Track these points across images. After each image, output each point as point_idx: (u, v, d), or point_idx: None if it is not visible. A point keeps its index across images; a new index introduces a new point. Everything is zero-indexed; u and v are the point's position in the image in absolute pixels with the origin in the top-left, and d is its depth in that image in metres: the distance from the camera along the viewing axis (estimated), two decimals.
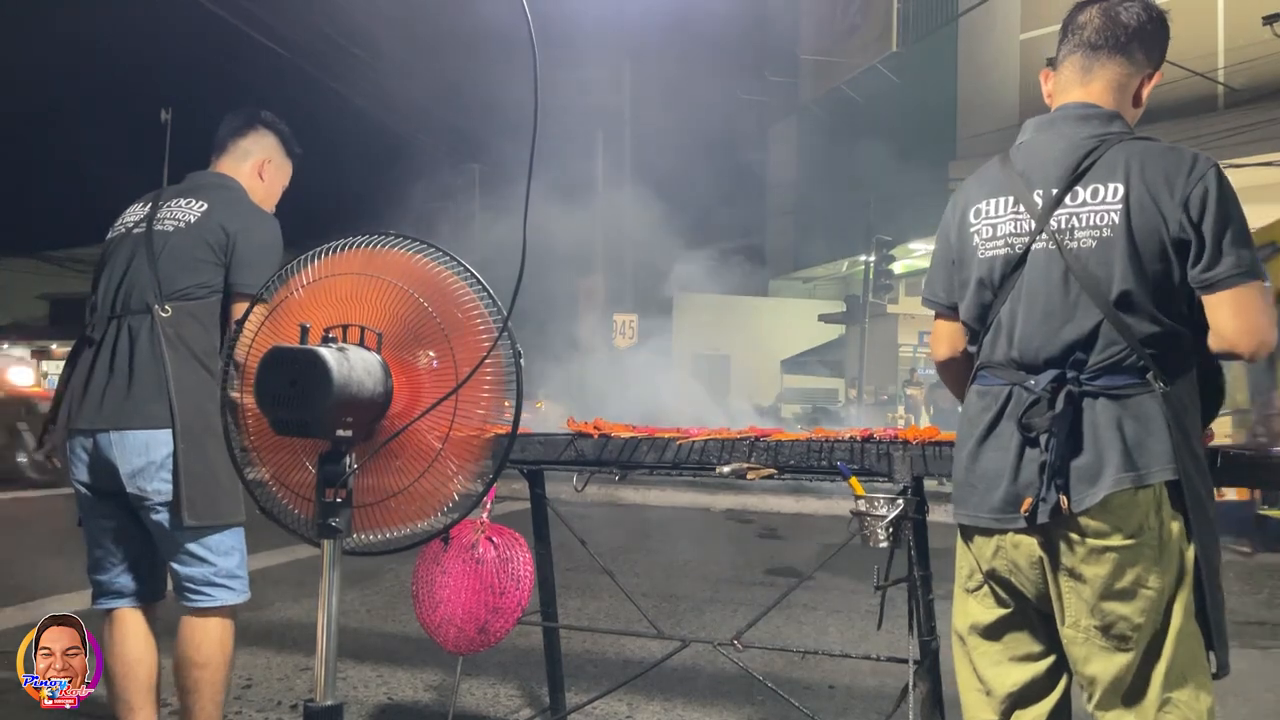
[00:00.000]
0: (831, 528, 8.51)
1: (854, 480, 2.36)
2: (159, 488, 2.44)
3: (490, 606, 2.71)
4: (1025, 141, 1.92)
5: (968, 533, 1.92)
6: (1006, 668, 1.89)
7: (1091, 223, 1.75)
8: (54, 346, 41.14)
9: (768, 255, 25.46)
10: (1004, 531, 1.81)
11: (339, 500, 1.58)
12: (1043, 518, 1.71)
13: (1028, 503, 1.73)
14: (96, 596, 2.61)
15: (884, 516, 2.27)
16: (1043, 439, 1.72)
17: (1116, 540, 1.70)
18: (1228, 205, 1.69)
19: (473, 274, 1.65)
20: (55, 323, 40.15)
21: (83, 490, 2.55)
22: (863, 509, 2.30)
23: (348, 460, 1.59)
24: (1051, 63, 1.99)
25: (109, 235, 2.70)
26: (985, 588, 1.90)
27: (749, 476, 2.49)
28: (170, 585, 2.61)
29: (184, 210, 2.59)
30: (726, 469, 2.51)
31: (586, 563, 3.11)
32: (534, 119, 1.59)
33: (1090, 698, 1.79)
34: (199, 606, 2.51)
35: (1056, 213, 1.78)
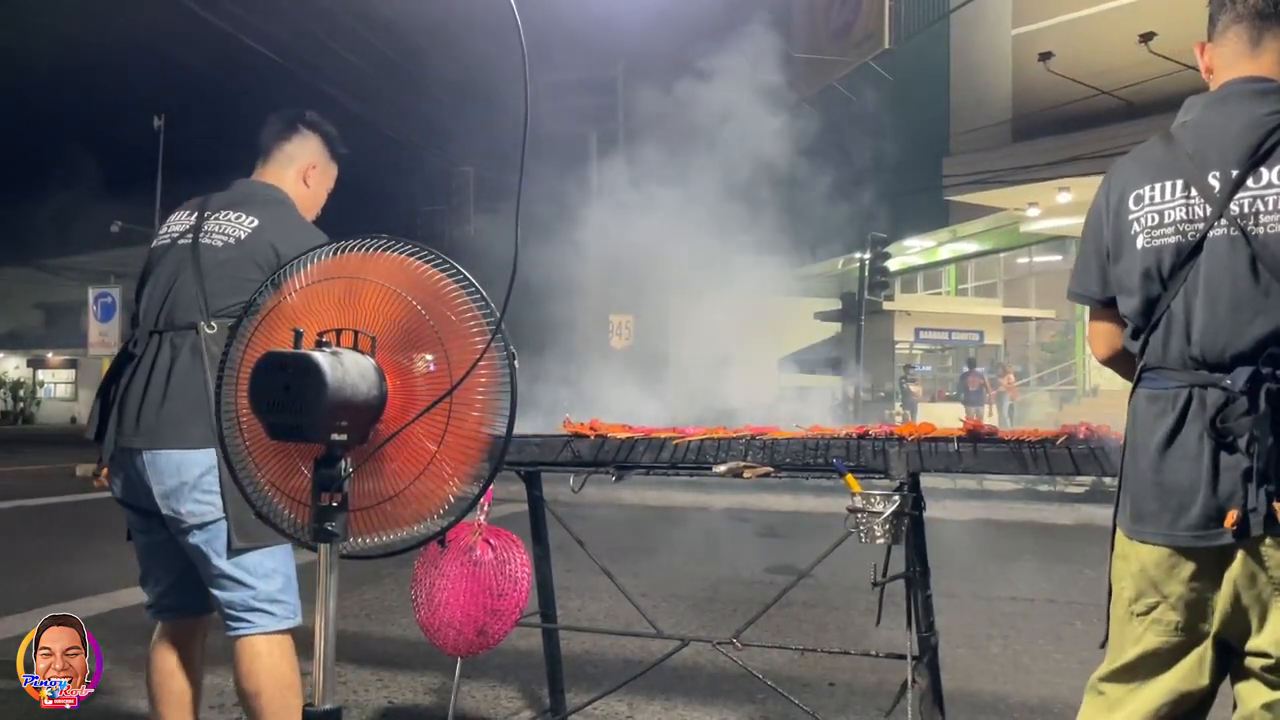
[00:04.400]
0: (829, 525, 8.51)
1: (850, 477, 2.37)
2: (192, 509, 2.36)
3: (488, 609, 2.71)
4: (1191, 120, 1.78)
5: (1145, 551, 1.74)
6: (1161, 706, 1.74)
7: None
8: (49, 355, 41.23)
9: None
10: (1206, 550, 1.65)
11: (334, 504, 1.58)
12: (1255, 530, 1.58)
13: (1233, 515, 1.60)
14: (147, 608, 2.58)
15: (881, 513, 2.27)
16: (1241, 443, 1.59)
17: None
18: None
19: (465, 276, 1.65)
20: (50, 331, 40.21)
21: (125, 507, 2.51)
22: (859, 506, 2.30)
23: (343, 464, 1.59)
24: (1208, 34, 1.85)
25: (153, 244, 2.62)
26: (1159, 612, 1.72)
27: (745, 475, 2.49)
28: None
29: (233, 225, 2.50)
30: (723, 468, 2.51)
31: (585, 563, 3.11)
32: (524, 117, 1.59)
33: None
34: (240, 634, 2.40)
35: (1238, 196, 1.65)
